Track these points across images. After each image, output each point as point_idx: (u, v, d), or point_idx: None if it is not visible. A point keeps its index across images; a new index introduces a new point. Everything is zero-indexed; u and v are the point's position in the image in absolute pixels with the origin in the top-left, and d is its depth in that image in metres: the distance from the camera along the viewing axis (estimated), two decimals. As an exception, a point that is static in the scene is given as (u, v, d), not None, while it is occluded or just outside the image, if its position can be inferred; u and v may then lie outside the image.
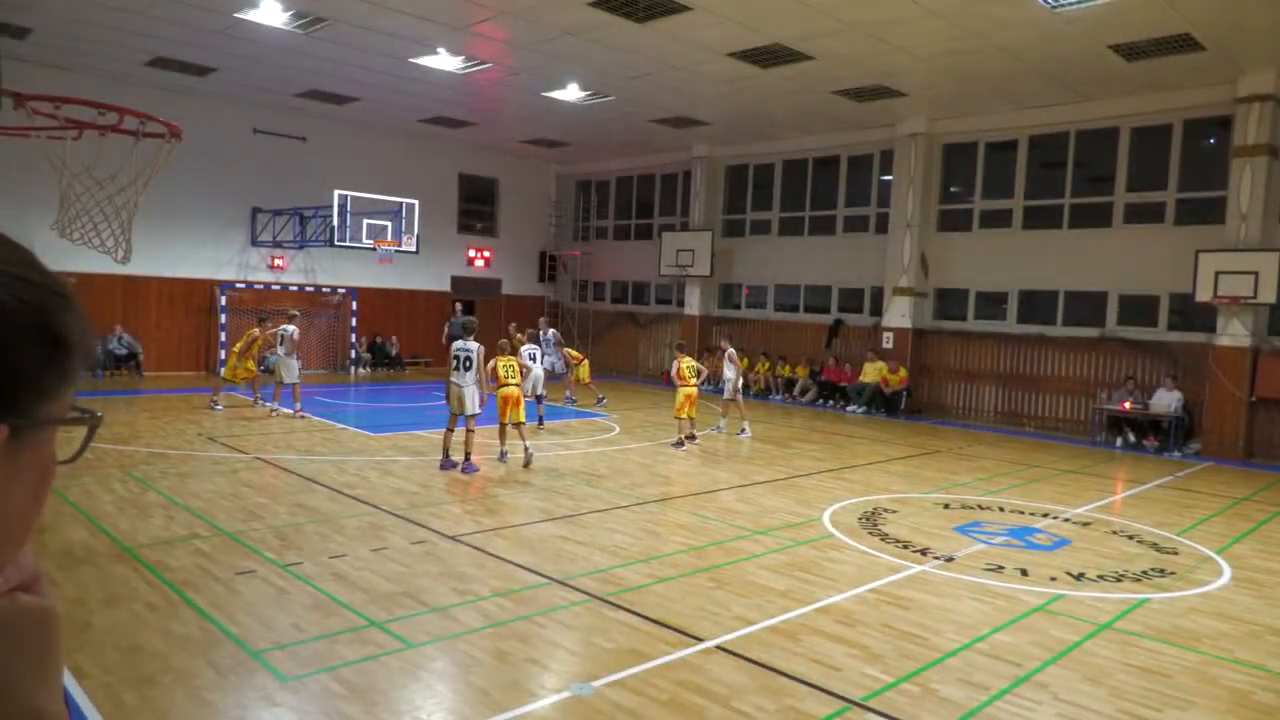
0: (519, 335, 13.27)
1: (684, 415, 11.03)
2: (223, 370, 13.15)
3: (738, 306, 19.81)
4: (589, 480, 8.83)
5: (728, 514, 7.61)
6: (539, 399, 12.12)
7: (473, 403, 8.79)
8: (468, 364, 8.79)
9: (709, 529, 7.06)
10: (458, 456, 9.15)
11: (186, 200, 16.52)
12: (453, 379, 8.84)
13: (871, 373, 16.18)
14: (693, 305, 19.86)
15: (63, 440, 0.72)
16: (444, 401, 9.17)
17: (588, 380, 15.12)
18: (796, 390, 17.46)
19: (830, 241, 17.84)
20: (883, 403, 15.94)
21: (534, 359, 12.08)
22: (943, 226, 16.27)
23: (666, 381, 20.04)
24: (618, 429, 12.51)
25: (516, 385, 9.41)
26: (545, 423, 12.17)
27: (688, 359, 11.30)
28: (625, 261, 21.91)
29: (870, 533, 7.11)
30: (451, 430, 9.03)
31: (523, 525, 6.93)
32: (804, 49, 12.00)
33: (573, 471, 9.26)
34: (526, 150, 21.03)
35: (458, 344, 8.89)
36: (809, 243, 18.20)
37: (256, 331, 12.51)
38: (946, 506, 8.28)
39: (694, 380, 11.08)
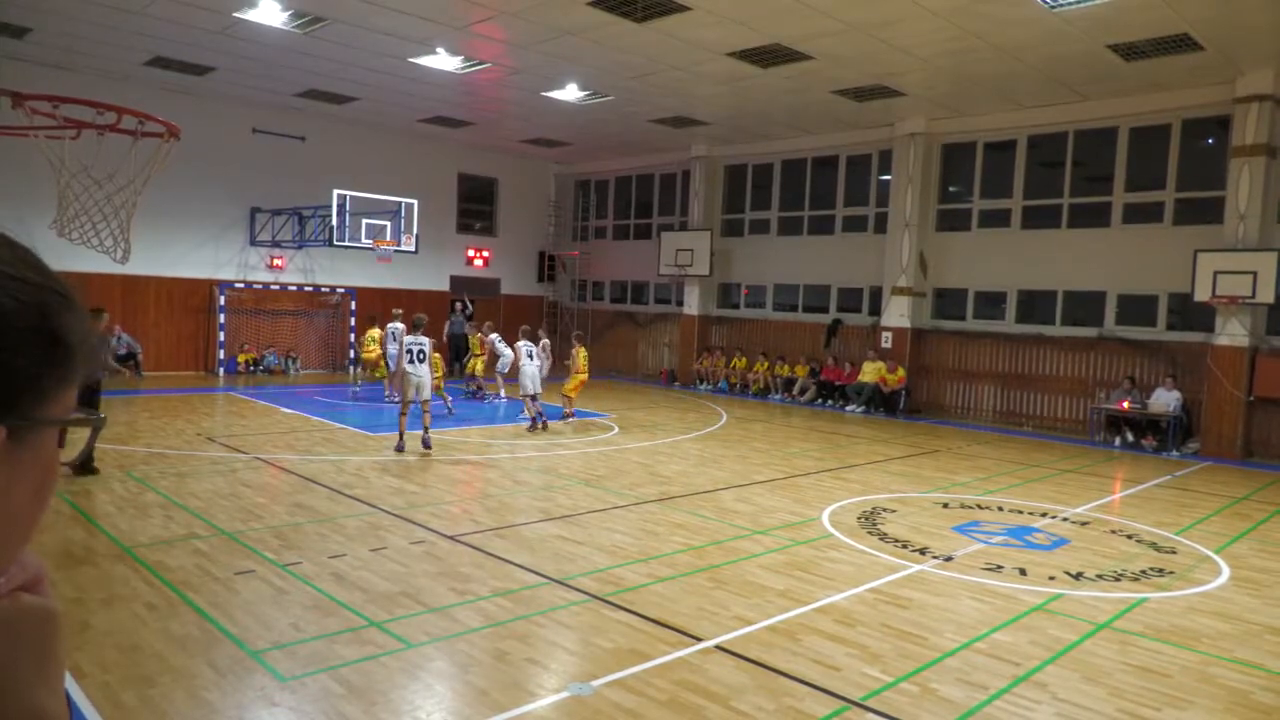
0: (487, 330, 14.68)
1: (574, 395, 12.71)
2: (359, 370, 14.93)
3: (736, 306, 19.82)
4: (588, 480, 8.83)
5: (727, 514, 7.62)
6: (533, 398, 12.12)
7: (427, 387, 9.98)
8: (421, 356, 9.94)
9: (708, 529, 7.07)
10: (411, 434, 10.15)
11: (185, 200, 16.51)
12: (408, 370, 9.88)
13: (870, 372, 16.19)
14: (691, 305, 19.86)
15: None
16: (396, 391, 10.21)
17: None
18: (795, 390, 17.47)
19: (829, 241, 17.84)
20: (881, 402, 15.96)
21: (531, 357, 12.10)
22: (941, 226, 16.28)
23: (665, 380, 20.09)
24: (616, 429, 12.51)
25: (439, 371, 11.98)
26: (548, 424, 12.17)
27: (584, 350, 12.96)
28: (624, 261, 21.91)
29: (869, 532, 7.12)
30: (406, 415, 10.05)
31: (522, 525, 6.93)
32: (803, 49, 12.00)
33: (571, 471, 9.26)
34: (526, 150, 21.02)
35: (409, 339, 9.94)
36: (808, 242, 18.21)
37: (376, 332, 14.49)
38: (945, 506, 8.29)
39: (585, 367, 12.83)
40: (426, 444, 9.92)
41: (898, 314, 16.26)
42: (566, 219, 23.31)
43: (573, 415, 12.84)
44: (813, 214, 18.26)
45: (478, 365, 15.06)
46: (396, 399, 13.76)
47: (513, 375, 12.74)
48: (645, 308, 21.74)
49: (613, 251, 22.27)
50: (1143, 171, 13.92)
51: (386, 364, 14.31)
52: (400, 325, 13.94)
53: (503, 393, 14.80)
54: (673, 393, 18.39)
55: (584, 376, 12.87)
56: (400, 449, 9.81)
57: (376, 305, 19.27)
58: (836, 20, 10.81)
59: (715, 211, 19.73)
